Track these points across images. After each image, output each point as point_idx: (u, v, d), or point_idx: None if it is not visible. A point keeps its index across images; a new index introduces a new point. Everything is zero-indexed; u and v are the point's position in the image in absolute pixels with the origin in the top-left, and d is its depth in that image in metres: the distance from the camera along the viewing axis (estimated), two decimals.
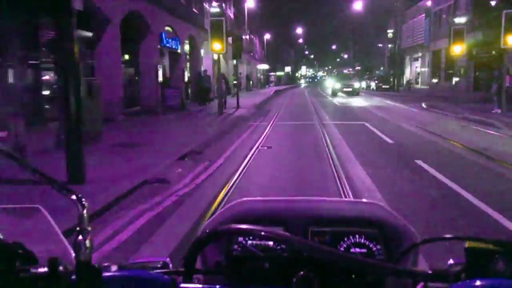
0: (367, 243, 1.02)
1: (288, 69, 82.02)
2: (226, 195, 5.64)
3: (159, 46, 17.38)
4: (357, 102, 26.48)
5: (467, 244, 0.76)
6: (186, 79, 22.37)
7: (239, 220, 0.93)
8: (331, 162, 7.74)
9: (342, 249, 1.02)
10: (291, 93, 41.88)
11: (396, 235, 1.03)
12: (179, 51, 20.18)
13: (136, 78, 16.93)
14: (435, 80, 36.09)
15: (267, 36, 61.43)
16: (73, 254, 0.78)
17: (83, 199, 0.81)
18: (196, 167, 7.42)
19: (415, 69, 44.12)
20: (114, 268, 0.80)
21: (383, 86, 42.50)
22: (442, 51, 33.05)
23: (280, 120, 15.57)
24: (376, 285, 0.94)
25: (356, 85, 34.39)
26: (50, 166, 5.64)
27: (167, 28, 18.65)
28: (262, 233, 0.76)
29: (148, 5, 15.58)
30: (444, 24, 32.64)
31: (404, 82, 44.82)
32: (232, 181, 6.33)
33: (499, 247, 0.73)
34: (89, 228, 0.79)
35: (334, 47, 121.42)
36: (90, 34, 12.62)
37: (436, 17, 35.55)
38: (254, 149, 9.13)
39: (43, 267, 0.76)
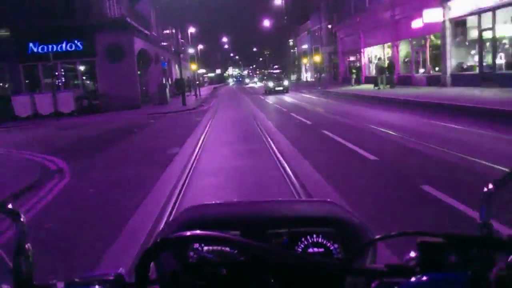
0: (324, 242, 1.01)
1: (218, 71, 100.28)
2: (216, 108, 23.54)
3: (161, 66, 34.73)
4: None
5: (419, 239, 0.76)
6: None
7: (193, 226, 0.88)
8: (262, 126, 25.84)
9: (299, 249, 1.00)
10: (224, 88, 60.49)
11: (353, 233, 1.02)
12: (165, 67, 37.50)
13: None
14: (315, 75, 56.06)
15: (200, 46, 79.09)
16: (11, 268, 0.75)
17: (22, 217, 0.79)
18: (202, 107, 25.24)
19: (304, 68, 64.21)
20: (60, 285, 0.76)
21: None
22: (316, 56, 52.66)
23: (223, 96, 33.52)
24: (336, 285, 0.92)
25: (286, 83, 36.18)
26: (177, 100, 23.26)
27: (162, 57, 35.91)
28: (217, 238, 0.74)
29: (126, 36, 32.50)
30: (318, 39, 52.10)
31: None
32: (213, 114, 24.27)
33: (450, 240, 0.74)
34: (29, 245, 0.77)
35: (255, 49, 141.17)
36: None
37: (313, 34, 55.15)
38: (216, 105, 27.06)
39: None
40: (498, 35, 17.57)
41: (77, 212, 5.45)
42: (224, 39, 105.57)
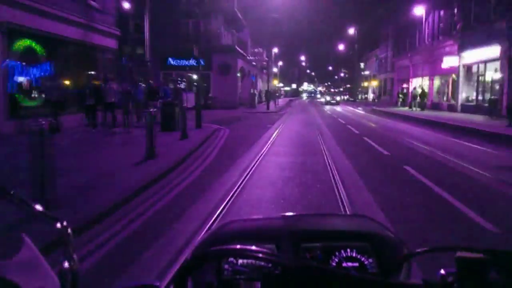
0: (358, 256, 1.00)
1: (294, 85, 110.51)
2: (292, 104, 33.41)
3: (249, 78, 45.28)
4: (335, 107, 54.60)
5: (458, 254, 0.74)
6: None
7: (229, 240, 0.91)
8: (321, 121, 35.50)
9: (334, 264, 1.00)
10: (297, 100, 70.48)
11: (388, 247, 1.01)
12: (254, 80, 48.00)
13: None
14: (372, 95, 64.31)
15: (280, 63, 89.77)
16: (59, 284, 0.77)
17: (69, 228, 0.80)
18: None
19: (371, 89, 72.39)
20: None
21: (350, 99, 71.47)
22: (382, 80, 60.84)
23: (296, 106, 43.28)
24: None
25: (338, 99, 61.05)
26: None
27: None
28: (253, 253, 0.75)
29: (232, 58, 43.01)
30: (384, 66, 60.31)
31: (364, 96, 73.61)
32: (289, 111, 34.17)
33: (491, 256, 0.71)
34: (75, 258, 0.78)
35: (330, 68, 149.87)
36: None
37: (381, 61, 63.40)
38: (290, 111, 36.95)
39: None
40: (487, 79, 25.74)
41: (233, 140, 15.32)
42: (302, 57, 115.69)
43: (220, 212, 5.53)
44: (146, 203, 6.11)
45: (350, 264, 1.01)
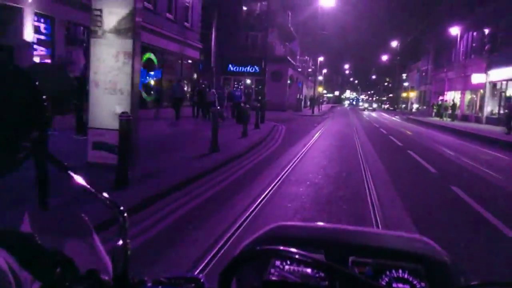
0: (410, 279, 0.95)
1: (336, 92, 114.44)
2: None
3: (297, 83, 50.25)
4: (371, 113, 58.52)
5: None
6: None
7: (277, 243, 0.87)
8: (358, 124, 40.06)
9: (383, 283, 0.96)
10: (339, 107, 74.85)
11: (443, 273, 0.96)
12: (300, 86, 52.88)
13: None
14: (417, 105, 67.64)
15: (324, 71, 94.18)
16: (111, 267, 0.79)
17: (125, 213, 0.82)
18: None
19: (412, 100, 75.60)
20: (149, 283, 0.80)
21: (390, 108, 75.20)
22: (422, 92, 64.16)
23: (338, 112, 47.82)
24: None
25: (375, 106, 69.91)
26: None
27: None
28: (302, 257, 0.72)
29: (284, 67, 48.00)
30: (423, 79, 63.61)
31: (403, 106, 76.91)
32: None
33: None
34: (128, 241, 0.80)
35: (374, 77, 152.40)
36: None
37: (422, 73, 66.67)
38: (332, 115, 41.58)
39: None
40: (508, 95, 29.52)
41: (289, 133, 20.27)
42: (346, 66, 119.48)
43: (294, 161, 10.48)
44: (256, 155, 11.18)
45: (400, 285, 0.95)
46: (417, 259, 0.98)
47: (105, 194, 0.84)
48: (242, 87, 38.73)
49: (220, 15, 30.49)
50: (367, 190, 7.36)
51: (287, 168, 9.26)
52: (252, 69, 40.79)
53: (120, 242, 0.79)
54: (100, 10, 7.12)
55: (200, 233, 4.76)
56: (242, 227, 4.95)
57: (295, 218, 5.52)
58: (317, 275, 0.94)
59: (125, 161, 6.11)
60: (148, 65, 19.03)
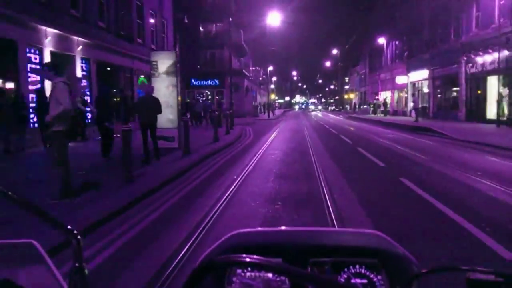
0: (367, 273, 1.00)
1: (287, 98, 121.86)
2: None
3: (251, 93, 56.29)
4: (317, 113, 65.58)
5: (469, 275, 0.74)
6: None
7: (237, 252, 0.89)
8: (306, 123, 46.54)
9: (342, 280, 1.00)
10: (291, 111, 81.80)
11: (397, 265, 1.01)
12: (254, 95, 58.93)
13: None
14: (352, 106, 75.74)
15: (274, 78, 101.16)
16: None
17: (79, 236, 0.80)
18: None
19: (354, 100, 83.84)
20: None
21: (335, 109, 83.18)
22: (362, 93, 72.07)
23: (290, 115, 54.35)
24: None
25: (320, 107, 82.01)
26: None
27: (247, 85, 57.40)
28: (262, 264, 0.72)
29: (240, 78, 54.04)
30: (362, 81, 71.54)
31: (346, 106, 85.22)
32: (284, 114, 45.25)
33: (502, 278, 0.71)
34: (84, 265, 0.78)
35: (320, 81, 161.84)
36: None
37: (361, 76, 74.73)
38: (285, 118, 47.97)
39: None
40: (424, 92, 36.85)
41: (256, 131, 26.08)
42: (294, 72, 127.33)
43: (267, 147, 16.13)
44: (223, 158, 16.78)
45: (358, 280, 0.99)
46: (373, 253, 1.03)
47: (55, 219, 0.84)
48: (215, 98, 44.16)
49: (181, 37, 35.85)
50: (310, 152, 13.18)
51: (264, 146, 15.02)
52: (212, 82, 46.33)
53: (76, 265, 0.81)
54: (156, 62, 12.61)
55: (233, 168, 10.36)
56: (258, 157, 10.60)
57: (277, 164, 11.19)
58: (278, 279, 0.98)
59: (188, 141, 11.64)
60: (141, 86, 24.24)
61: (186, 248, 4.47)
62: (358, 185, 8.22)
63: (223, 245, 1.07)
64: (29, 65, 13.83)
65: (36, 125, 13.48)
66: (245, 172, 9.59)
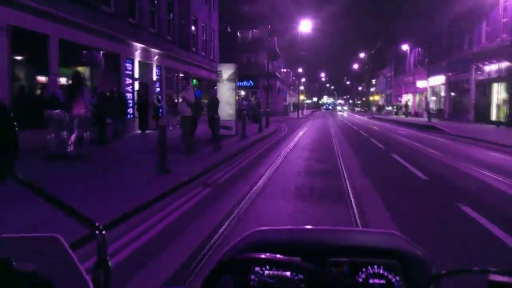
0: (386, 274, 1.00)
1: (315, 98, 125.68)
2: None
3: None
4: (343, 114, 69.35)
5: (490, 277, 0.73)
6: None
7: (256, 250, 0.91)
8: (333, 121, 50.61)
9: (360, 280, 1.00)
10: (318, 111, 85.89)
11: (416, 266, 1.01)
12: (285, 95, 63.33)
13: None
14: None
15: (303, 79, 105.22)
16: (90, 283, 0.80)
17: (104, 231, 0.82)
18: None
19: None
20: None
21: (361, 110, 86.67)
22: (388, 95, 75.35)
23: (317, 115, 58.45)
24: None
25: (345, 108, 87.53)
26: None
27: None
28: (281, 262, 0.73)
29: (273, 80, 58.44)
30: (388, 83, 74.84)
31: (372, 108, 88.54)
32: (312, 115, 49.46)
33: None
34: (109, 260, 0.81)
35: (348, 82, 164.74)
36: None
37: (387, 79, 77.98)
38: (313, 117, 52.16)
39: None
40: (442, 96, 40.39)
41: (290, 127, 30.46)
42: (322, 74, 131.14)
43: (301, 135, 20.45)
44: (269, 142, 21.22)
45: (377, 281, 0.99)
46: (391, 254, 1.02)
47: (83, 215, 0.85)
48: (253, 98, 48.77)
49: (220, 43, 40.59)
50: (334, 146, 17.47)
51: (297, 138, 19.42)
52: (247, 83, 50.95)
53: (99, 262, 0.83)
54: (221, 71, 17.24)
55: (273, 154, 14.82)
56: (295, 142, 15.06)
57: (309, 145, 15.53)
58: (296, 277, 0.98)
59: (244, 130, 16.17)
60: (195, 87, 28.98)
61: (266, 176, 8.94)
62: (362, 156, 12.69)
63: (242, 243, 1.08)
64: (126, 72, 18.64)
65: (131, 116, 18.37)
66: (288, 148, 14.16)
